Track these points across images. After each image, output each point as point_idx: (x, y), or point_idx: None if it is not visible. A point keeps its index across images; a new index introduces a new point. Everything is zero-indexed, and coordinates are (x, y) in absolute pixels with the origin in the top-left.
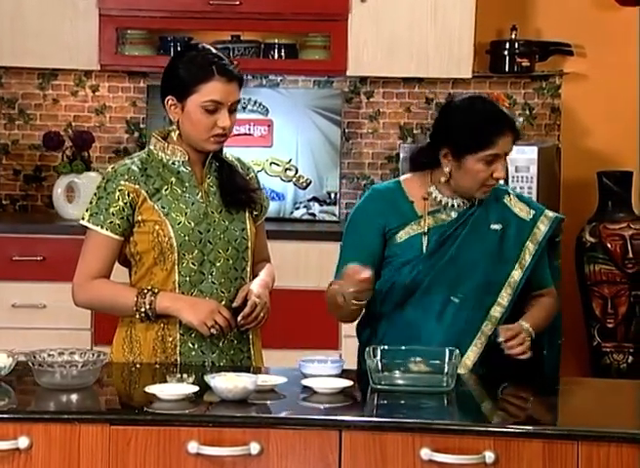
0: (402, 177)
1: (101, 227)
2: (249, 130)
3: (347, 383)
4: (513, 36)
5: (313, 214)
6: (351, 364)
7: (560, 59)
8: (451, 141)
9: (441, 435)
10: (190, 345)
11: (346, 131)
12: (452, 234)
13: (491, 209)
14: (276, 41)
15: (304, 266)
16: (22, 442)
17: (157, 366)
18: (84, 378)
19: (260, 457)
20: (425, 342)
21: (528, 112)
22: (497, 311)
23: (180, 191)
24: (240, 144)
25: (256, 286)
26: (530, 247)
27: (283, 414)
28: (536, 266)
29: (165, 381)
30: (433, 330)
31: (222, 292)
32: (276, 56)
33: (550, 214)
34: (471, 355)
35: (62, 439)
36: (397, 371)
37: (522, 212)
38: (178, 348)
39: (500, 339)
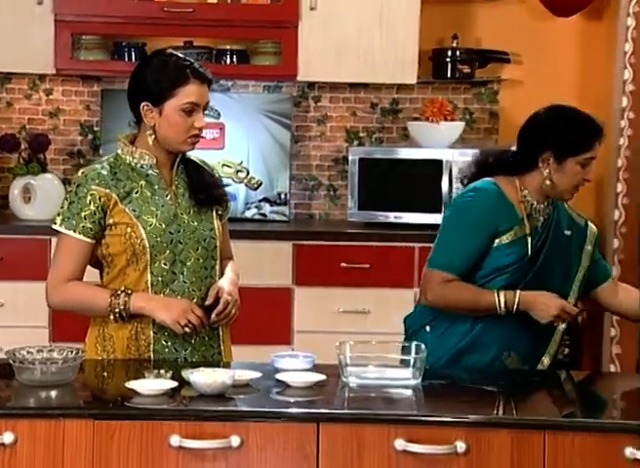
0: (496, 180)
1: (74, 231)
2: None
3: (320, 377)
4: (454, 44)
5: (264, 215)
6: None
7: (498, 67)
8: (554, 146)
9: (415, 426)
10: (164, 343)
11: (295, 134)
12: (544, 240)
13: (561, 214)
14: (228, 47)
15: (257, 265)
16: (7, 437)
17: (130, 362)
18: (63, 375)
19: (240, 450)
20: (514, 341)
21: (468, 116)
22: None
23: (149, 194)
24: None
25: (226, 284)
26: (587, 251)
27: (262, 408)
28: (594, 265)
29: (141, 377)
30: (523, 330)
31: (194, 291)
32: (228, 61)
33: (591, 224)
34: (548, 355)
35: (47, 434)
36: (367, 366)
37: (577, 218)
38: (151, 346)
39: None
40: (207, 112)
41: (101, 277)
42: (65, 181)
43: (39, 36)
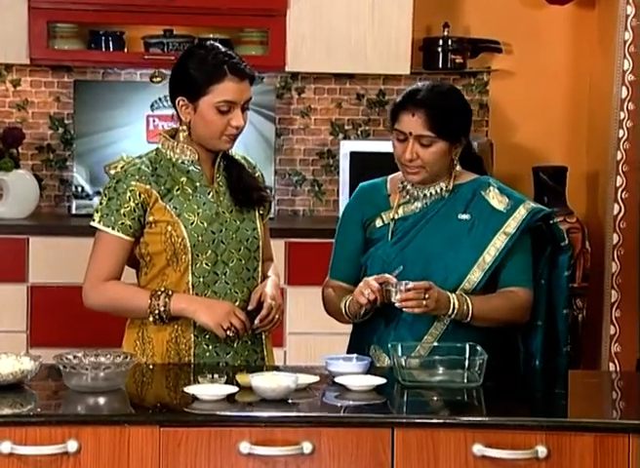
0: (393, 175)
1: (112, 228)
2: None
3: (381, 381)
4: (445, 33)
5: None
6: (295, 360)
7: (488, 57)
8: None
9: (492, 430)
10: (205, 346)
11: (278, 127)
12: (417, 224)
13: (461, 200)
14: (210, 36)
15: None
16: (71, 445)
17: (171, 366)
18: (113, 380)
19: (312, 456)
20: (394, 327)
21: None
22: None
23: (190, 191)
24: None
25: (269, 287)
26: (500, 237)
27: (333, 413)
28: (505, 259)
29: (188, 381)
30: (397, 315)
31: (236, 293)
32: None
33: (531, 204)
34: (429, 338)
35: (111, 441)
36: (423, 368)
37: (500, 203)
38: (192, 350)
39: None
40: None
41: (138, 277)
42: (36, 177)
43: (12, 24)
